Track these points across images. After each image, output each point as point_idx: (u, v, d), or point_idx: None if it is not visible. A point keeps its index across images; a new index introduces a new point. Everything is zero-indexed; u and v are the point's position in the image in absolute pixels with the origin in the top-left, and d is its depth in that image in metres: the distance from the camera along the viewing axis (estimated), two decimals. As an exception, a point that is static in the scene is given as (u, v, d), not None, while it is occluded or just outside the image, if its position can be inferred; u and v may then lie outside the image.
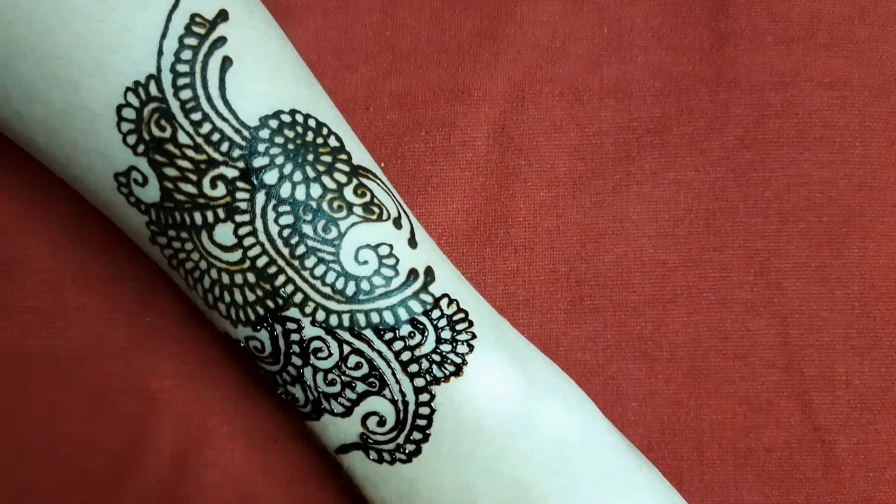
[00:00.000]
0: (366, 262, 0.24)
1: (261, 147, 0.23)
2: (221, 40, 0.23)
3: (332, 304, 0.24)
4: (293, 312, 0.24)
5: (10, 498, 0.31)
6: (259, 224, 0.23)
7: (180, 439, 0.31)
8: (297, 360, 0.24)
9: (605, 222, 0.32)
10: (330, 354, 0.24)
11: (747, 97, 0.33)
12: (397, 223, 0.25)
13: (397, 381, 0.24)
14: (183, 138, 0.23)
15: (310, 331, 0.24)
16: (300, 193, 0.23)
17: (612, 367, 0.31)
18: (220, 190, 0.23)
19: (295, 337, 0.24)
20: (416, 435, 0.24)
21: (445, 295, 0.25)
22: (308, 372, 0.24)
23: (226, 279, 0.24)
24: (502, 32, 0.33)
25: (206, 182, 0.23)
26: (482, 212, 0.32)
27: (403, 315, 0.24)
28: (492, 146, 0.33)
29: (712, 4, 0.33)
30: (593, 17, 0.33)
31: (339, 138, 0.25)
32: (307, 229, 0.23)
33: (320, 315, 0.24)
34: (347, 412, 0.25)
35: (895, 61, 0.33)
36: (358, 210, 0.24)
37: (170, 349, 0.32)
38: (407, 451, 0.25)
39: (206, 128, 0.23)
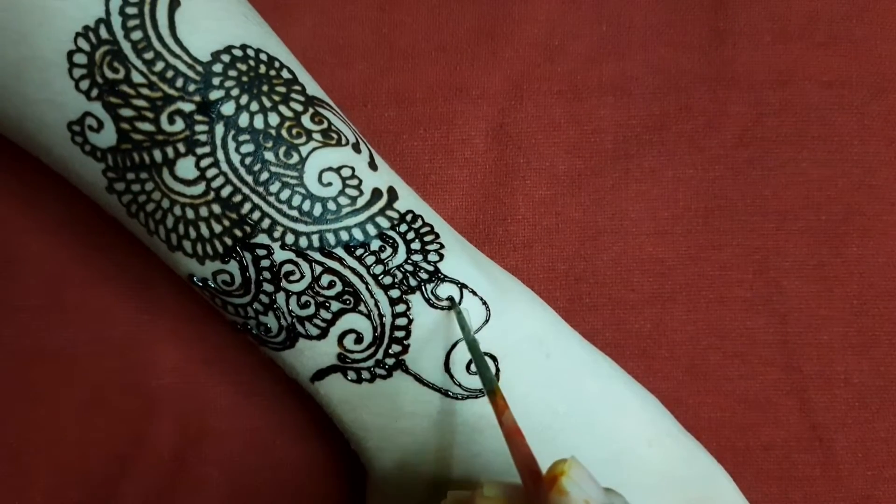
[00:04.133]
0: (330, 184, 0.24)
1: (215, 80, 0.23)
2: None
3: (300, 227, 0.24)
4: (262, 238, 0.24)
5: (10, 496, 0.31)
6: (220, 154, 0.23)
7: (179, 437, 0.31)
8: (268, 287, 0.24)
9: (603, 220, 0.32)
10: (302, 276, 0.24)
11: (746, 95, 0.33)
12: (356, 148, 0.25)
13: (372, 295, 0.24)
14: (137, 78, 0.23)
15: (280, 255, 0.24)
16: (258, 122, 0.24)
17: (611, 365, 0.31)
18: (179, 125, 0.23)
19: (265, 263, 0.24)
20: (395, 347, 0.25)
21: (410, 211, 0.25)
22: (280, 297, 0.24)
23: (190, 214, 0.24)
24: (500, 30, 0.33)
25: (163, 118, 0.23)
26: (481, 209, 0.32)
27: (372, 231, 0.24)
28: (490, 144, 0.33)
29: (711, 2, 0.33)
30: (592, 14, 0.33)
31: (291, 71, 0.25)
32: (269, 156, 0.24)
33: (289, 238, 0.24)
34: (323, 333, 0.25)
35: (893, 60, 0.33)
36: (317, 136, 0.25)
37: (169, 347, 0.32)
38: (387, 366, 0.25)
39: (159, 66, 0.23)
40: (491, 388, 0.22)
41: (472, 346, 0.23)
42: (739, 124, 0.33)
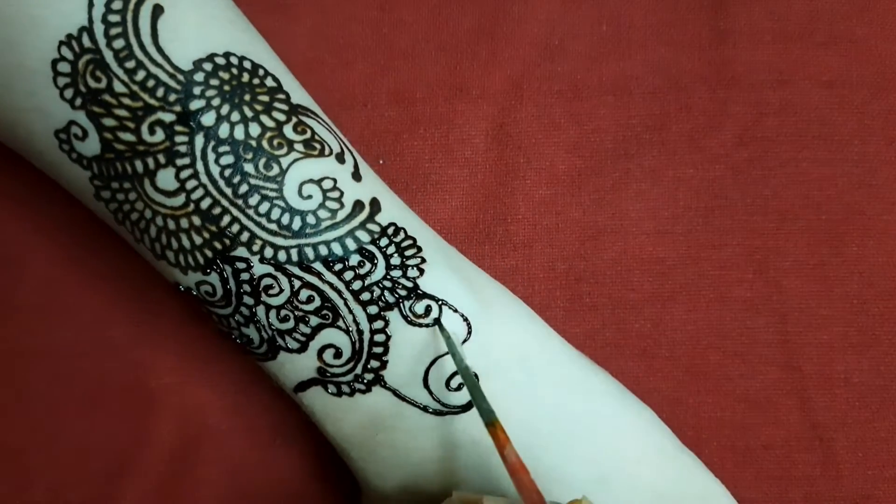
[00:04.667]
0: (310, 197, 0.24)
1: (196, 90, 0.23)
2: None
3: (279, 241, 0.24)
4: (241, 252, 0.24)
5: (10, 495, 0.31)
6: (200, 166, 0.23)
7: (179, 436, 0.31)
8: (248, 300, 0.24)
9: (604, 220, 0.32)
10: (281, 291, 0.24)
11: (746, 95, 0.33)
12: (340, 158, 0.25)
13: (350, 311, 0.24)
14: (119, 87, 0.23)
15: (259, 268, 0.24)
16: (239, 133, 0.23)
17: (611, 365, 0.31)
18: (159, 135, 0.23)
19: (245, 276, 0.24)
20: (374, 363, 0.25)
21: (392, 224, 0.25)
22: (260, 311, 0.24)
23: (172, 225, 0.24)
24: (500, 30, 0.33)
25: (144, 129, 0.23)
26: (481, 209, 0.32)
27: (351, 245, 0.24)
28: (490, 144, 0.33)
29: (711, 2, 0.33)
30: (592, 13, 0.33)
31: (276, 79, 0.25)
32: (248, 168, 0.23)
33: (268, 252, 0.24)
34: (303, 347, 0.25)
35: (893, 59, 0.33)
36: (299, 146, 0.24)
37: (169, 346, 0.32)
38: (366, 381, 0.25)
39: (140, 75, 0.23)
40: (489, 421, 0.21)
41: (466, 374, 0.23)
42: (739, 124, 0.33)
